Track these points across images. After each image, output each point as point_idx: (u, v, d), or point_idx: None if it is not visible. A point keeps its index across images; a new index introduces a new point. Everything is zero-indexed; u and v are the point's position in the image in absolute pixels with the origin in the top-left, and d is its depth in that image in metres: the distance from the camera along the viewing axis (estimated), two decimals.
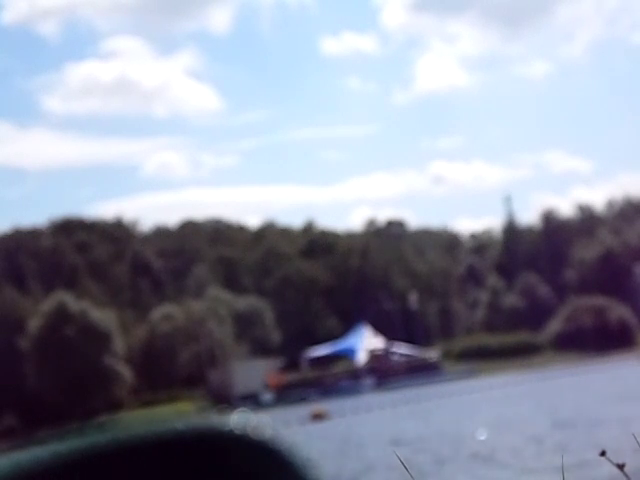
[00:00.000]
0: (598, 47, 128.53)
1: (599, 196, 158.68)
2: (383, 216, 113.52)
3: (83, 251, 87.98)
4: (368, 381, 73.71)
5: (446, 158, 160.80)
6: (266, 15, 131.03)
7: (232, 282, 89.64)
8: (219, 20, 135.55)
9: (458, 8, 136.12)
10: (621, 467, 3.18)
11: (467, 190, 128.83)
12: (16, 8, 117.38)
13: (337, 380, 74.72)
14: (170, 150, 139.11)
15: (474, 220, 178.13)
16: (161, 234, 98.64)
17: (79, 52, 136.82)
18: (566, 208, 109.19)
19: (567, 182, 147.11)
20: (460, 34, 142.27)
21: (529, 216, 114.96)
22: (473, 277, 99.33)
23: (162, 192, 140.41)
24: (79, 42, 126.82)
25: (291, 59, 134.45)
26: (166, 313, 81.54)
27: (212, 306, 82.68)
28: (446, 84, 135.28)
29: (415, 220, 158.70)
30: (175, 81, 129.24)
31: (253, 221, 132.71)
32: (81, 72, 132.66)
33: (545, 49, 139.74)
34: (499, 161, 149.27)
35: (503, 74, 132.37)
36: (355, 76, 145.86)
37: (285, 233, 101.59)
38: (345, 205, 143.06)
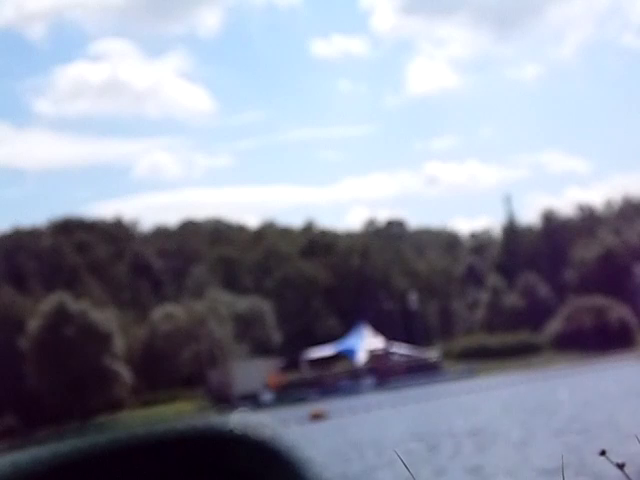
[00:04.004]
0: (589, 48, 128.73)
1: (596, 196, 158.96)
2: (380, 216, 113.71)
3: (83, 251, 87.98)
4: (368, 381, 73.73)
5: (440, 159, 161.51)
6: (256, 17, 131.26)
7: (232, 282, 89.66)
8: (208, 22, 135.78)
9: (448, 11, 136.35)
10: (621, 467, 3.17)
11: (462, 190, 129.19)
12: (3, 12, 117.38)
13: (337, 380, 74.74)
14: (164, 151, 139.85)
15: (470, 220, 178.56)
16: (161, 234, 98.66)
17: (67, 55, 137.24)
18: (563, 208, 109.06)
19: (563, 183, 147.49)
20: (450, 36, 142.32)
21: (525, 216, 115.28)
22: (473, 277, 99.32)
23: (158, 192, 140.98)
24: (67, 45, 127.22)
25: (281, 61, 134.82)
26: (167, 313, 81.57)
27: (212, 306, 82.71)
28: (437, 86, 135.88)
29: (411, 220, 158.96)
30: (166, 82, 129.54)
31: (251, 221, 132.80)
32: (70, 74, 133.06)
33: (536, 51, 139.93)
34: (494, 161, 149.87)
35: (494, 76, 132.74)
36: (346, 78, 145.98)
37: (285, 233, 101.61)
38: (342, 205, 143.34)
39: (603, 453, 3.19)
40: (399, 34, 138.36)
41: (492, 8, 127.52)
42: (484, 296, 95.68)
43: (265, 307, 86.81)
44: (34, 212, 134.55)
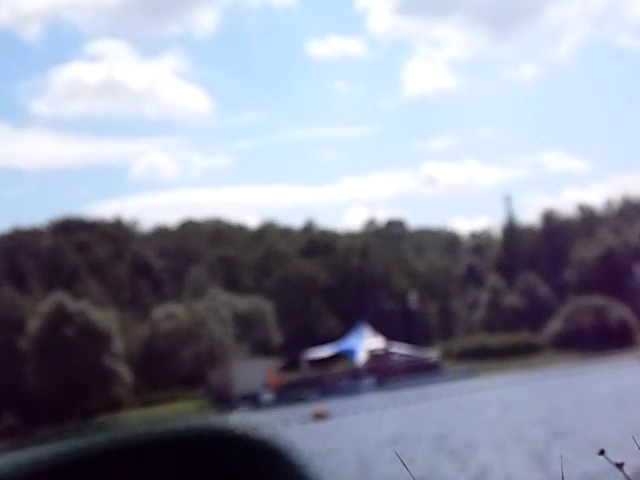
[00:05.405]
0: (585, 49, 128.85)
1: (595, 196, 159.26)
2: (380, 216, 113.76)
3: (83, 251, 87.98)
4: (368, 381, 73.74)
5: (439, 159, 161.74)
6: (252, 18, 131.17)
7: (232, 282, 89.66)
8: (204, 23, 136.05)
9: (444, 11, 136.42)
10: (620, 466, 3.20)
11: (461, 190, 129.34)
12: None
13: (337, 380, 74.74)
14: (162, 151, 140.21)
15: (470, 220, 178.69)
16: (161, 234, 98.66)
17: (64, 55, 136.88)
18: (562, 208, 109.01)
19: (563, 182, 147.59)
20: (447, 37, 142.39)
21: (525, 216, 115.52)
22: (473, 277, 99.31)
23: (157, 192, 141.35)
24: (63, 45, 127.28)
25: (278, 61, 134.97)
26: (167, 313, 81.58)
27: (212, 306, 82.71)
28: (435, 87, 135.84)
29: (411, 220, 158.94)
30: (163, 83, 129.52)
31: (251, 221, 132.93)
32: (67, 75, 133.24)
33: (533, 51, 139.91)
34: (492, 161, 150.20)
35: (491, 76, 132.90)
36: (343, 79, 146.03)
37: (285, 233, 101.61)
38: (341, 205, 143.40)
39: (602, 453, 3.22)
40: (396, 35, 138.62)
41: (488, 9, 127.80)
42: (484, 296, 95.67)
43: (265, 307, 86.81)
44: (34, 212, 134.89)
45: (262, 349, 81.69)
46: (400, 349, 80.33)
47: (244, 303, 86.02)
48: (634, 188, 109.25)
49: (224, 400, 70.26)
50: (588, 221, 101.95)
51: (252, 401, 68.66)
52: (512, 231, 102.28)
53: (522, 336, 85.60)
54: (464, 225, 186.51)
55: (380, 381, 73.35)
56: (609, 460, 3.18)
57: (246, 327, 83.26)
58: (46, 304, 74.66)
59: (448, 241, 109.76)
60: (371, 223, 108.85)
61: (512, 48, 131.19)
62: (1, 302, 76.41)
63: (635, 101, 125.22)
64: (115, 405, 71.92)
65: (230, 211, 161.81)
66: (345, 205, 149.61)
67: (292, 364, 77.76)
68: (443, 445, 25.23)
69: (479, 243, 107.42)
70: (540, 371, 67.23)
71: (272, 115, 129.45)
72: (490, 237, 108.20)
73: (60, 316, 73.20)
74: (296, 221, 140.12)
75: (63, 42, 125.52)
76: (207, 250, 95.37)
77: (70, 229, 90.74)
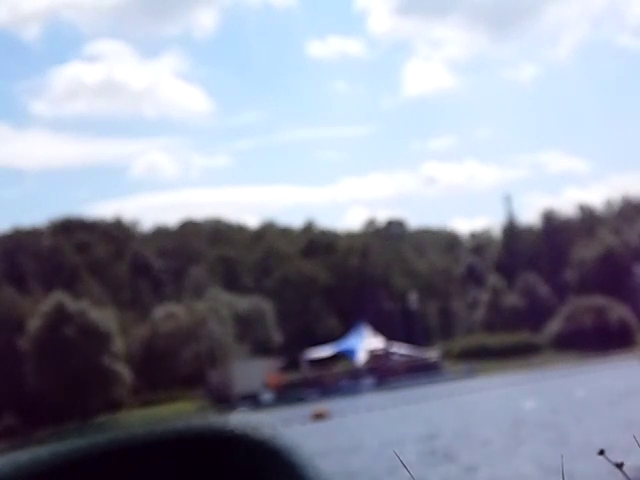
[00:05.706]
0: (585, 49, 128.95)
1: (595, 196, 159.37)
2: (380, 216, 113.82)
3: (83, 251, 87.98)
4: (368, 381, 73.75)
5: (438, 159, 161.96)
6: (251, 18, 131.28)
7: (232, 282, 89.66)
8: (204, 23, 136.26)
9: (443, 12, 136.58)
10: (619, 466, 3.19)
11: (461, 190, 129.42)
12: None
13: (337, 380, 74.75)
14: (162, 151, 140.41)
15: (470, 220, 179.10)
16: (161, 234, 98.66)
17: (63, 55, 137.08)
18: (562, 208, 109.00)
19: (562, 182, 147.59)
20: (446, 37, 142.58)
21: (525, 216, 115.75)
22: (473, 277, 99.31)
23: (157, 192, 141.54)
24: (63, 46, 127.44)
25: (278, 62, 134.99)
26: (167, 312, 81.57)
27: (212, 306, 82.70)
28: (434, 87, 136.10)
29: (411, 220, 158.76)
30: (163, 83, 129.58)
31: (251, 221, 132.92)
32: (67, 75, 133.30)
33: (532, 51, 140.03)
34: (492, 161, 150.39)
35: (491, 76, 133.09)
36: (342, 79, 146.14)
37: (285, 233, 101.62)
38: (341, 205, 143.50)
39: (602, 452, 3.21)
40: (395, 35, 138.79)
41: (488, 9, 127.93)
42: (484, 296, 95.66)
43: (265, 307, 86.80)
44: (34, 212, 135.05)
45: (262, 349, 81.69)
46: (400, 349, 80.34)
47: (244, 303, 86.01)
48: (634, 188, 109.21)
49: (224, 400, 70.25)
50: (588, 221, 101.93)
51: (252, 401, 68.66)
52: (512, 231, 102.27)
53: (522, 336, 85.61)
54: (464, 225, 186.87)
55: (380, 381, 73.37)
56: (609, 460, 3.17)
57: (246, 327, 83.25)
58: (46, 304, 74.64)
59: (448, 241, 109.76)
60: (371, 223, 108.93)
61: (512, 48, 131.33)
62: (1, 302, 76.40)
63: (635, 101, 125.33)
64: (115, 405, 71.91)
65: (230, 211, 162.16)
66: (345, 205, 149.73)
67: (292, 364, 77.75)
68: (442, 445, 25.23)
69: (479, 243, 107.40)
70: (540, 371, 67.25)
71: (272, 115, 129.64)
72: (490, 237, 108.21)
73: (60, 316, 73.18)
74: (296, 221, 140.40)
75: (62, 42, 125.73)
76: (207, 250, 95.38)
77: (70, 229, 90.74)
